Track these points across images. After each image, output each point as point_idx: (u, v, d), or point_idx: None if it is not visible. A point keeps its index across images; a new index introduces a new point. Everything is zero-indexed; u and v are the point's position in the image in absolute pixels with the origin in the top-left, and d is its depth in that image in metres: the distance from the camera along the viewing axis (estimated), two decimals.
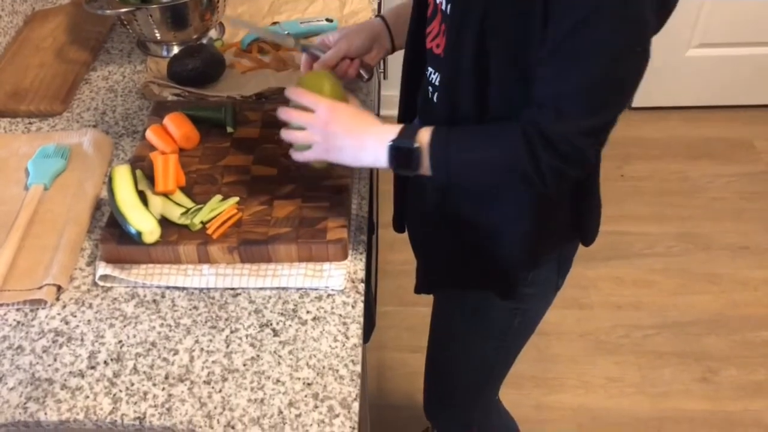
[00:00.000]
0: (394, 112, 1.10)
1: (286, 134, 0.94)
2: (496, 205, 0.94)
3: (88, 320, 0.93)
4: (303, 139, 0.92)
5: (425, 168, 0.87)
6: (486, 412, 1.33)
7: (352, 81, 1.10)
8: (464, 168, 0.85)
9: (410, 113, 1.05)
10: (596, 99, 0.77)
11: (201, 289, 0.96)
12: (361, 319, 0.92)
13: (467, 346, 1.18)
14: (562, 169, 0.81)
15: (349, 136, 0.90)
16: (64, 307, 0.94)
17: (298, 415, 0.82)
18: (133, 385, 0.85)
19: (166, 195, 1.01)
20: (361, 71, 1.07)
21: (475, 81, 0.84)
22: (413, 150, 0.85)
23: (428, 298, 1.45)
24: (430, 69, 0.93)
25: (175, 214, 0.98)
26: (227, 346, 0.89)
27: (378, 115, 1.55)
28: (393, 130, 0.87)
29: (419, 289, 1.14)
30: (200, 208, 0.99)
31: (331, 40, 1.06)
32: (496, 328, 1.13)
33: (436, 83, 0.92)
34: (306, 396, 0.84)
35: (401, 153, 0.86)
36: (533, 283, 1.04)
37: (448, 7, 0.84)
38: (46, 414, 0.83)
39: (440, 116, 0.90)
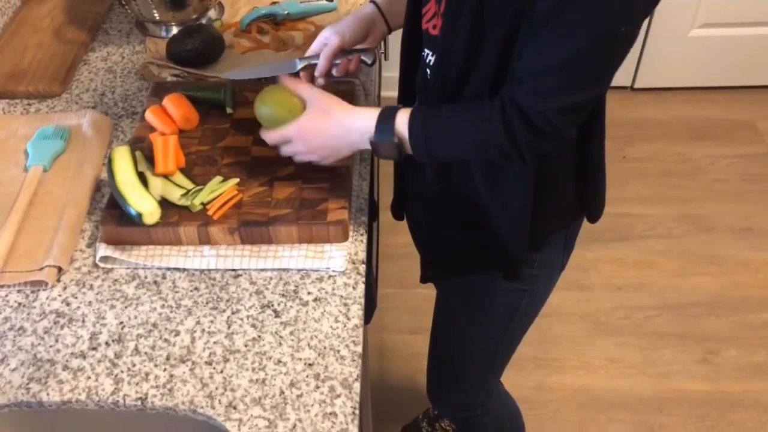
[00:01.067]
0: (395, 93, 1.09)
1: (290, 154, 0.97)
2: (498, 185, 0.94)
3: (89, 301, 0.93)
4: (301, 161, 0.98)
5: (407, 150, 0.90)
6: (488, 395, 1.33)
7: (357, 70, 1.09)
8: (443, 147, 0.88)
9: (410, 94, 1.04)
10: (575, 77, 0.77)
11: (202, 271, 0.96)
12: (362, 300, 0.92)
13: (473, 331, 1.18)
14: (538, 144, 0.82)
15: (334, 143, 0.94)
16: (65, 288, 0.94)
17: (300, 396, 0.82)
18: (134, 366, 0.86)
19: (166, 176, 1.01)
20: (363, 57, 1.06)
21: (466, 61, 0.84)
22: (393, 145, 0.89)
23: None
24: (426, 50, 0.93)
25: (175, 195, 0.98)
26: (228, 327, 0.89)
27: (378, 96, 1.55)
28: (369, 125, 0.90)
29: (425, 279, 1.13)
30: (200, 190, 0.98)
31: (322, 40, 1.05)
32: (503, 312, 1.13)
33: (432, 64, 0.91)
34: (307, 376, 0.84)
35: (383, 148, 0.90)
36: (540, 264, 1.04)
37: None
38: (48, 394, 0.83)
39: (435, 96, 0.90)
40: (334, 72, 1.06)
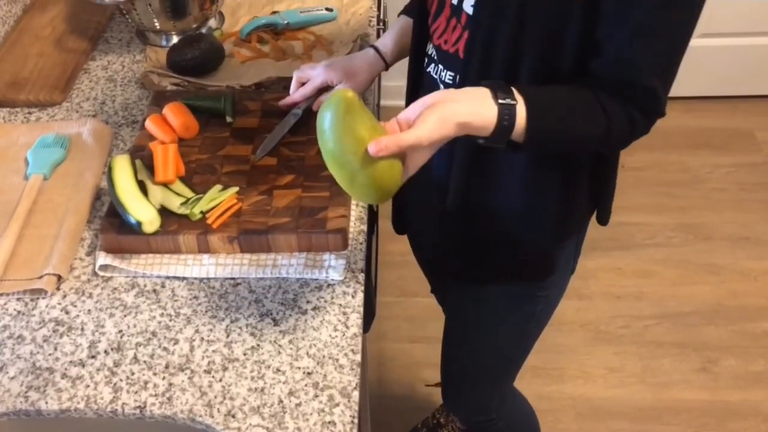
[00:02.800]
0: (395, 102, 1.10)
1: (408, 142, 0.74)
2: (530, 191, 0.94)
3: (89, 310, 0.93)
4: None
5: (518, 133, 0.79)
6: (503, 399, 1.34)
7: None
8: (557, 144, 0.84)
9: (410, 100, 1.04)
10: (677, 65, 0.82)
11: (201, 279, 0.96)
12: (361, 309, 0.92)
13: (488, 339, 1.19)
14: (647, 128, 0.86)
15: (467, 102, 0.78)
16: (65, 296, 0.95)
17: (298, 404, 0.82)
18: (133, 374, 0.86)
19: (165, 185, 1.01)
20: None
21: (505, 71, 0.83)
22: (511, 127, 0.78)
23: (429, 288, 1.45)
24: (439, 66, 0.92)
25: (174, 203, 0.98)
26: (227, 336, 0.89)
27: (378, 105, 1.55)
28: (490, 125, 0.77)
29: (438, 291, 1.14)
30: (200, 198, 0.99)
31: (312, 73, 1.09)
32: (519, 319, 1.14)
33: (447, 80, 0.91)
34: (306, 385, 0.84)
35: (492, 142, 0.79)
36: (555, 267, 1.05)
37: (464, 3, 0.84)
38: (46, 403, 0.83)
39: None
40: (314, 108, 1.11)
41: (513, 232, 0.99)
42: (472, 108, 0.75)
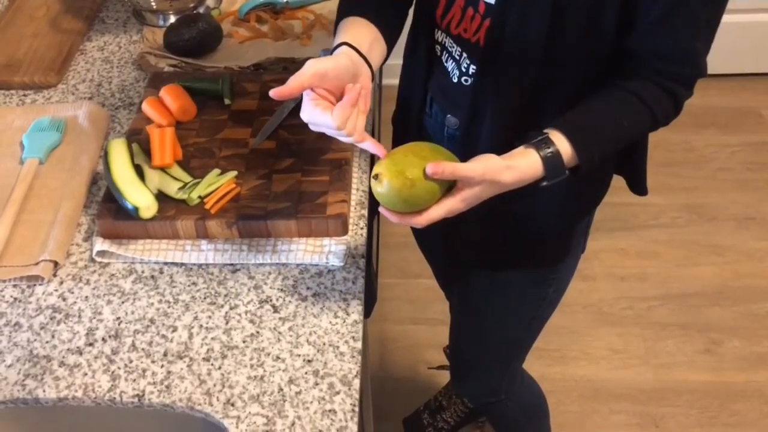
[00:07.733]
0: (394, 81, 1.08)
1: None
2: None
3: (86, 296, 0.92)
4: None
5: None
6: (512, 380, 1.34)
7: None
8: (609, 154, 0.86)
9: (417, 89, 1.01)
10: (716, 27, 0.83)
11: (199, 265, 0.95)
12: (362, 295, 0.91)
13: (499, 323, 1.18)
14: (689, 96, 0.87)
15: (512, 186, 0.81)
16: (62, 283, 0.93)
17: (298, 393, 0.81)
18: (131, 362, 0.85)
19: (163, 169, 0.99)
20: None
21: (540, 66, 0.82)
22: (564, 179, 0.81)
23: (430, 270, 1.44)
24: (457, 53, 0.90)
25: (172, 188, 0.97)
26: (226, 323, 0.88)
27: (380, 83, 1.53)
28: (537, 173, 0.80)
29: (441, 278, 1.12)
30: (198, 183, 0.97)
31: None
32: (531, 302, 1.13)
33: (467, 70, 0.89)
34: (306, 373, 0.83)
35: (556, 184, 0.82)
36: (570, 249, 1.05)
37: None
38: (44, 391, 0.82)
39: (479, 100, 0.89)
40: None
41: (535, 217, 0.97)
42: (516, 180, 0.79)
